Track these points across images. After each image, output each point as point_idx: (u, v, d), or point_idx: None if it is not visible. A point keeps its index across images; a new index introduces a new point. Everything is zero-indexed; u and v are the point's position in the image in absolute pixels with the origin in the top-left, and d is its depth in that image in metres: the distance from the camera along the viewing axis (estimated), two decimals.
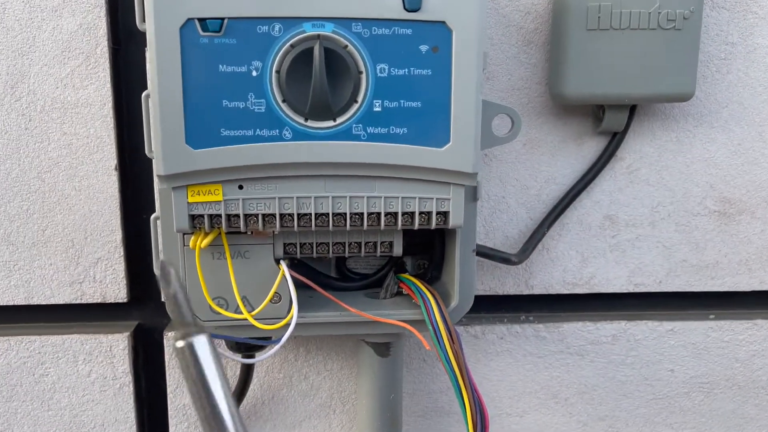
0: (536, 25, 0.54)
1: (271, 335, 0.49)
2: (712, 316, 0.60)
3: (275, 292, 0.47)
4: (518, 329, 0.58)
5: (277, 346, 0.45)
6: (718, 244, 0.58)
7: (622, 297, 0.59)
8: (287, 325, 0.46)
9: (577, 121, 0.55)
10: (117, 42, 0.53)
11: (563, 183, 0.56)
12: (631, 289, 0.58)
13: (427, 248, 0.53)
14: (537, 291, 0.58)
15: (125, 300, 0.55)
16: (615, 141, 0.55)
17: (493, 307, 0.59)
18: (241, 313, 0.47)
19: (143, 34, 0.53)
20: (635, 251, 0.58)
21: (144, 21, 0.45)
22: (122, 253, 0.55)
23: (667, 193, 0.57)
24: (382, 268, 0.54)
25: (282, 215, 0.44)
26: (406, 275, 0.52)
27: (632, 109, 0.54)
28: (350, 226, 0.45)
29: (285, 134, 0.42)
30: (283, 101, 0.42)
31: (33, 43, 0.51)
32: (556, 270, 0.58)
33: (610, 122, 0.53)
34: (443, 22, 0.42)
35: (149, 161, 0.54)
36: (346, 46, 0.41)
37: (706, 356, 0.60)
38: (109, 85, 0.52)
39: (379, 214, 0.45)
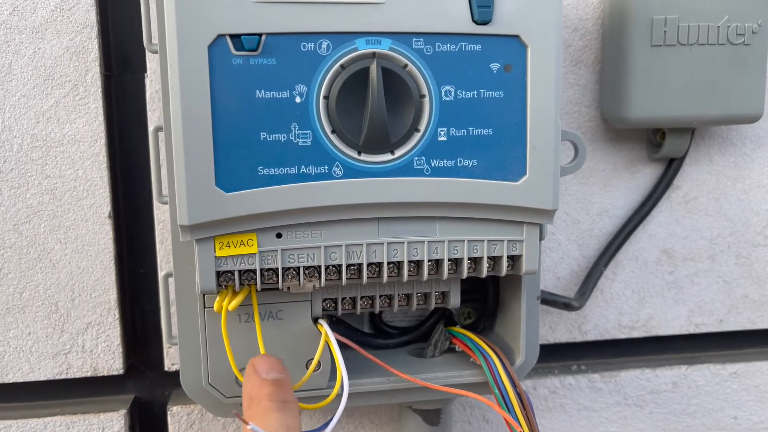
0: (585, 42, 0.48)
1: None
2: None
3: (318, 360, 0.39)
4: (572, 381, 0.52)
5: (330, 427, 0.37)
6: None
7: (682, 339, 0.54)
8: (336, 400, 0.38)
9: (630, 147, 0.50)
10: (108, 68, 0.45)
11: (617, 215, 0.51)
12: (692, 330, 0.53)
13: (475, 294, 0.46)
14: (591, 337, 0.52)
15: (121, 371, 0.47)
16: (673, 168, 0.50)
17: (543, 356, 0.52)
18: None
19: (139, 58, 0.46)
20: (694, 288, 0.53)
21: (151, 40, 0.38)
22: (117, 316, 0.46)
23: (726, 223, 0.52)
24: (427, 320, 0.47)
25: (327, 267, 0.37)
26: (457, 328, 0.45)
27: (691, 133, 0.49)
28: (407, 276, 0.38)
29: (335, 171, 0.35)
30: (333, 132, 0.35)
31: (9, 71, 0.43)
32: (611, 312, 0.52)
33: (670, 147, 0.48)
34: (517, 37, 0.36)
35: (148, 206, 0.47)
36: (406, 65, 0.35)
37: None
38: (101, 118, 0.44)
39: (440, 261, 0.38)
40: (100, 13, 0.44)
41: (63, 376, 0.46)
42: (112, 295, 0.46)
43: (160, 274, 0.40)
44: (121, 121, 0.46)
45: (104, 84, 0.44)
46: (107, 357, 0.46)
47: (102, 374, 0.46)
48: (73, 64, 0.43)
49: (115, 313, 0.46)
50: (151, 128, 0.38)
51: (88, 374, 0.46)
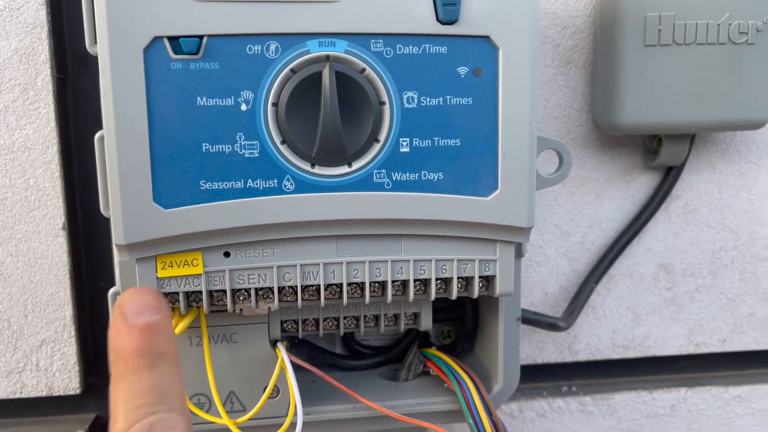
0: (575, 41, 0.45)
1: None
2: None
3: (274, 385, 0.37)
4: (561, 403, 0.49)
5: None
6: None
7: (681, 359, 0.50)
8: (290, 429, 0.35)
9: (624, 154, 0.47)
10: (63, 70, 0.43)
11: (610, 228, 0.47)
12: (692, 350, 0.49)
13: (456, 312, 0.43)
14: (582, 357, 0.49)
15: (77, 391, 0.44)
16: (671, 176, 0.46)
17: (530, 377, 0.49)
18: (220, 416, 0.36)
19: (96, 60, 0.43)
20: (695, 305, 0.49)
21: (95, 43, 0.35)
22: (73, 332, 0.43)
23: (729, 235, 0.48)
24: (403, 339, 0.44)
25: (281, 288, 0.34)
26: (433, 350, 0.42)
27: (691, 139, 0.45)
28: (370, 298, 0.35)
29: (285, 185, 0.32)
30: (283, 143, 0.32)
31: None
32: (604, 331, 0.48)
33: (668, 155, 0.44)
34: (487, 38, 0.33)
35: (106, 218, 0.44)
36: (364, 69, 0.32)
37: None
38: (53, 124, 0.41)
39: (406, 281, 0.35)
40: (53, 12, 0.41)
41: (16, 395, 0.44)
42: (68, 310, 0.43)
43: (109, 293, 0.37)
44: (78, 126, 0.43)
45: (58, 87, 0.42)
46: (63, 376, 0.44)
47: (58, 393, 0.44)
48: (23, 66, 0.41)
49: (70, 330, 0.43)
50: (97, 135, 0.35)
51: (44, 393, 0.44)
